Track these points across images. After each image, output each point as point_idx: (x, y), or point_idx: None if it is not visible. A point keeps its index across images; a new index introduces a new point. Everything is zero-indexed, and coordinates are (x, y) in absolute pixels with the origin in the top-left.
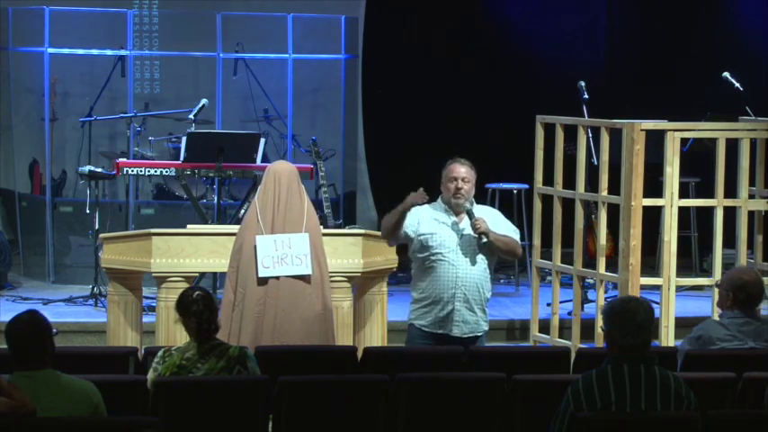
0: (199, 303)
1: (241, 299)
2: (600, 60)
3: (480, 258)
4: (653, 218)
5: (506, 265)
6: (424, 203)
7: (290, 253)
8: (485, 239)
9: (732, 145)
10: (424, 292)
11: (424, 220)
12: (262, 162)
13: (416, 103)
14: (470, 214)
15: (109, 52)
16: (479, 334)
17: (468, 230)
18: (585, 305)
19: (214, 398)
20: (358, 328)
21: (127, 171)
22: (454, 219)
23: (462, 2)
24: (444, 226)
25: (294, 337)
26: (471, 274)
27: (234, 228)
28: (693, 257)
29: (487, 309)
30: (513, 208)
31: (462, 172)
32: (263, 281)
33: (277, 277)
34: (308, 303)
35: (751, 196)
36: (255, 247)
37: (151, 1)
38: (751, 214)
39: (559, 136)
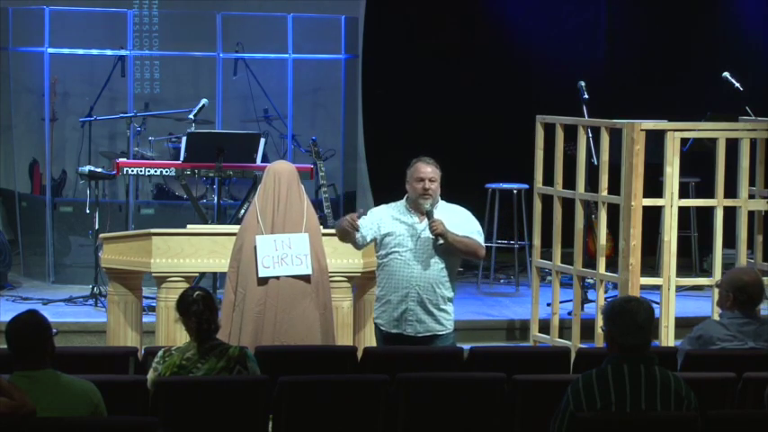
0: (199, 303)
1: (241, 299)
2: (600, 60)
3: (438, 259)
4: (653, 218)
5: (506, 264)
6: (359, 220)
7: (290, 253)
8: (441, 241)
9: (732, 145)
10: (382, 290)
11: (384, 220)
12: (262, 162)
13: (416, 103)
14: (429, 215)
15: (109, 52)
16: (438, 333)
17: (428, 231)
18: (585, 305)
19: (214, 398)
20: (358, 328)
21: (127, 171)
22: (415, 219)
23: (462, 2)
24: (404, 225)
25: (294, 337)
26: (426, 274)
27: (234, 228)
28: (693, 257)
29: (450, 308)
30: (513, 208)
31: (429, 172)
32: (263, 281)
33: (277, 277)
34: (308, 303)
35: (751, 196)
36: (255, 247)
37: (151, 1)
38: (751, 214)
39: (559, 136)
